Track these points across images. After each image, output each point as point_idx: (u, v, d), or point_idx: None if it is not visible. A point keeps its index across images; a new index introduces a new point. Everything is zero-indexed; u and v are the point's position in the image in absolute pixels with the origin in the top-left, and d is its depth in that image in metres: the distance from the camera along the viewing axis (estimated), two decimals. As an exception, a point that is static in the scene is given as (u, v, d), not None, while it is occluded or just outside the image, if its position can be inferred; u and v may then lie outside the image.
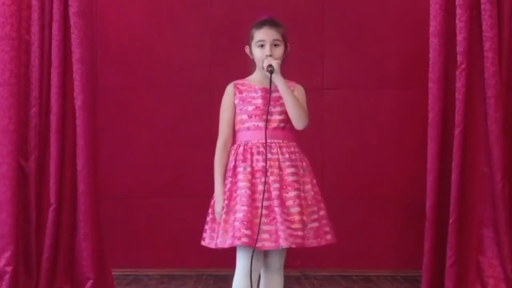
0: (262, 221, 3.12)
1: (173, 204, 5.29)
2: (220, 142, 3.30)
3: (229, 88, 3.34)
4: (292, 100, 3.21)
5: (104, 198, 4.54)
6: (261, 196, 3.16)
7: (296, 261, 5.05)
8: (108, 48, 5.27)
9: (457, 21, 4.00)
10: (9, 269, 4.00)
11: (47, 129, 4.16)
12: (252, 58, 3.34)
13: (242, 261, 3.17)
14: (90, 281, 4.13)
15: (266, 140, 3.20)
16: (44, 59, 4.15)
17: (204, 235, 3.29)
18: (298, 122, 3.23)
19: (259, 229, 3.10)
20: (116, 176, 5.21)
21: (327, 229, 3.25)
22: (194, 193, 5.03)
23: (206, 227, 3.29)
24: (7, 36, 4.04)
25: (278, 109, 3.25)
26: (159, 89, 5.34)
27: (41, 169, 4.17)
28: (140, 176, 5.29)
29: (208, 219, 3.29)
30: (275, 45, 3.27)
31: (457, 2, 4.00)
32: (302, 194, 3.21)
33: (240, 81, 3.35)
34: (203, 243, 3.29)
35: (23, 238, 4.12)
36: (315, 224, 3.21)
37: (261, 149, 3.22)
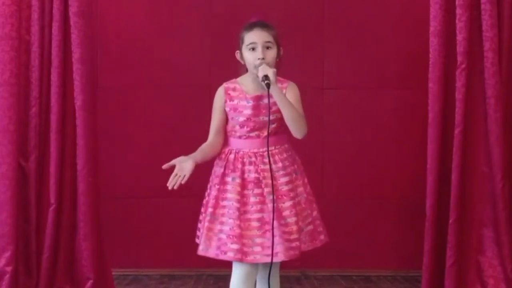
0: (254, 233, 3.09)
1: (173, 204, 5.28)
2: (207, 141, 3.28)
3: (220, 92, 3.25)
4: (290, 112, 3.10)
5: (104, 198, 4.53)
6: (253, 208, 3.11)
7: (296, 261, 5.04)
8: (108, 48, 5.26)
9: (457, 21, 4.00)
10: (9, 269, 4.00)
11: (47, 129, 4.16)
12: (243, 63, 3.23)
13: (239, 267, 3.15)
14: (90, 281, 4.13)
15: (268, 150, 3.14)
16: (44, 59, 4.15)
17: (198, 233, 3.29)
18: (297, 133, 3.13)
19: (272, 241, 3.05)
20: (116, 176, 5.21)
21: (321, 229, 3.25)
22: (194, 193, 5.00)
23: (199, 225, 3.28)
24: (7, 36, 4.04)
25: (270, 117, 3.14)
26: (159, 89, 5.33)
27: (41, 169, 4.17)
28: (140, 176, 5.28)
29: (201, 217, 3.27)
30: (267, 47, 3.14)
31: (457, 2, 4.00)
32: (297, 199, 3.18)
33: (231, 85, 3.25)
34: (197, 240, 3.28)
35: (23, 238, 4.12)
36: (310, 227, 3.21)
37: (253, 159, 3.16)
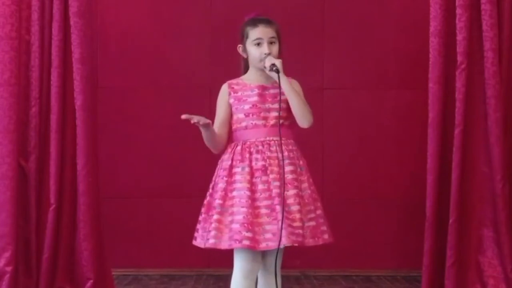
0: (265, 220, 3.10)
1: (173, 204, 5.29)
2: None
3: (224, 88, 3.31)
4: (297, 99, 3.18)
5: (104, 198, 4.53)
6: (262, 196, 3.13)
7: (296, 261, 5.05)
8: (108, 48, 5.27)
9: (457, 21, 4.00)
10: (9, 269, 4.00)
11: (47, 129, 4.16)
12: (245, 57, 3.30)
13: (240, 263, 3.15)
14: (90, 281, 4.13)
15: (280, 137, 3.17)
16: (44, 59, 4.15)
17: (196, 234, 3.26)
18: (304, 121, 3.19)
19: (281, 229, 3.05)
20: (116, 176, 5.21)
21: (324, 228, 3.22)
22: (194, 193, 5.01)
23: (198, 226, 3.25)
24: (7, 36, 4.04)
25: (276, 106, 3.20)
26: (159, 89, 5.34)
27: (41, 169, 4.17)
28: (140, 176, 5.29)
29: (200, 218, 3.24)
30: (271, 42, 3.23)
31: (457, 2, 4.00)
32: (300, 193, 3.18)
33: (234, 81, 3.31)
34: (194, 242, 3.25)
35: (23, 238, 4.12)
36: (312, 223, 3.19)
37: (260, 147, 3.18)
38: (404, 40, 5.27)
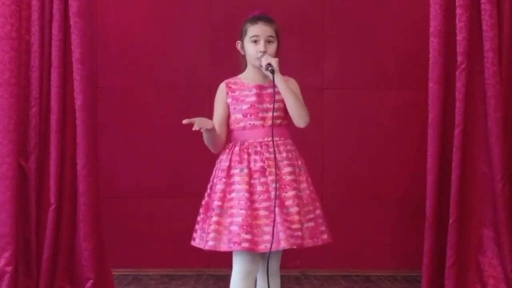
0: (263, 222, 3.09)
1: (173, 204, 5.29)
2: None
3: (221, 87, 3.30)
4: (293, 100, 3.16)
5: (104, 198, 4.53)
6: (260, 197, 3.11)
7: (296, 261, 5.05)
8: (108, 48, 5.27)
9: (457, 21, 4.00)
10: (9, 269, 4.00)
11: (47, 129, 4.16)
12: (243, 54, 3.29)
13: (239, 265, 3.14)
14: (90, 281, 4.13)
15: (273, 138, 3.15)
16: (44, 59, 4.15)
17: (195, 235, 3.25)
18: (300, 121, 3.18)
19: (273, 230, 3.04)
20: (116, 176, 5.21)
21: (323, 228, 3.22)
22: (194, 193, 4.98)
23: (197, 227, 3.25)
24: (7, 36, 4.04)
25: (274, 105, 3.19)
26: (159, 89, 5.34)
27: (41, 169, 4.17)
28: (140, 176, 5.29)
29: (199, 219, 3.24)
30: (269, 41, 3.21)
31: (457, 2, 4.00)
32: (299, 193, 3.17)
33: (231, 80, 3.30)
34: (193, 243, 3.25)
35: (23, 238, 4.12)
36: (311, 224, 3.18)
37: (259, 148, 3.17)
38: (404, 40, 5.27)
